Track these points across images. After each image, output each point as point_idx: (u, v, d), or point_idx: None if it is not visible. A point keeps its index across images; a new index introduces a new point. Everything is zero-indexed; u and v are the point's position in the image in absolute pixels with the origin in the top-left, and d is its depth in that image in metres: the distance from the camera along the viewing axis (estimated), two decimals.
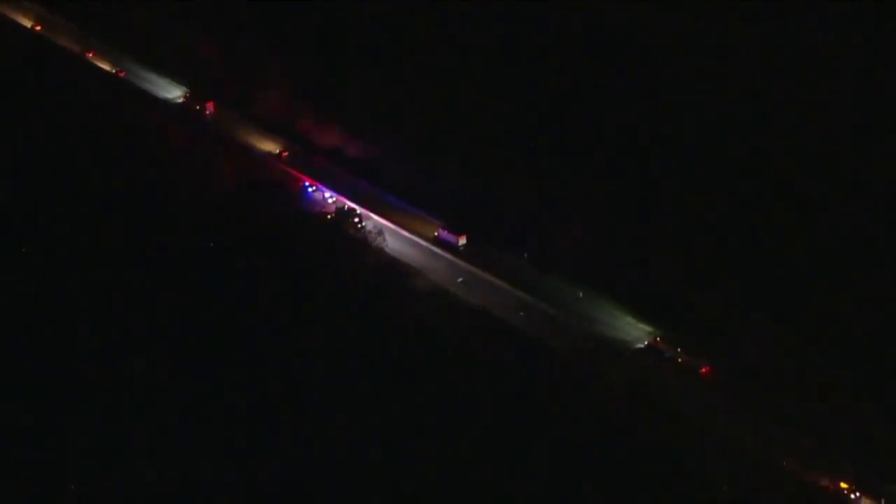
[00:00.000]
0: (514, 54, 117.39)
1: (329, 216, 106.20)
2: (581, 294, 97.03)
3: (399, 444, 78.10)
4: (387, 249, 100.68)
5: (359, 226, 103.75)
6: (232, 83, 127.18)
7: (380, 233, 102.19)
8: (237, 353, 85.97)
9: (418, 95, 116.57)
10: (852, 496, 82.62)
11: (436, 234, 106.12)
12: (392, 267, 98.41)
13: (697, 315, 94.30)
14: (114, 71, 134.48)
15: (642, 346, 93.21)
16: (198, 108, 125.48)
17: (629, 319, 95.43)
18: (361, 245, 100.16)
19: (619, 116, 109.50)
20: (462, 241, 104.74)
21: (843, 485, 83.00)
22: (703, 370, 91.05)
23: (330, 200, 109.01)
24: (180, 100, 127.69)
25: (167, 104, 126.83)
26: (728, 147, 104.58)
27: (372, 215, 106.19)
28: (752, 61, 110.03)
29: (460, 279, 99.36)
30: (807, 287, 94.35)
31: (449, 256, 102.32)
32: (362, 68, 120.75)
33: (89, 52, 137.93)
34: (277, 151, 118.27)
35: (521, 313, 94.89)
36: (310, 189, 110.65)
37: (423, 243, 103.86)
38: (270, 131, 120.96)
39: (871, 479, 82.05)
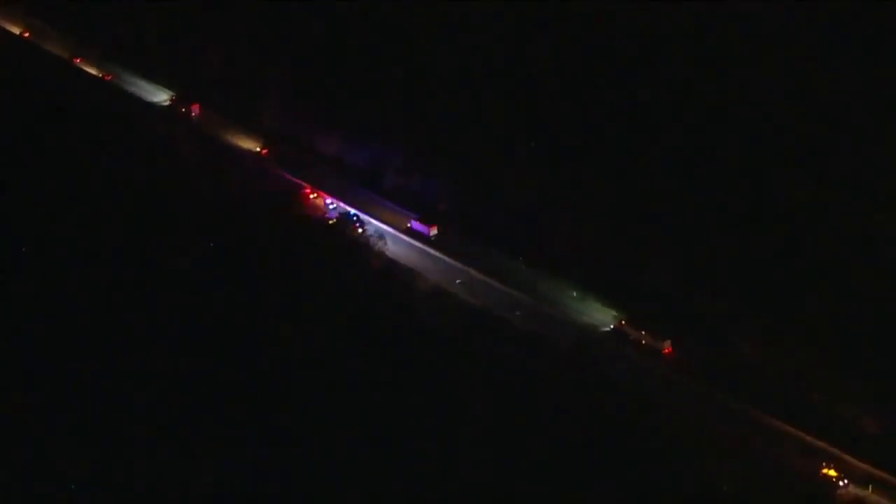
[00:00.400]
0: (501, 53, 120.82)
1: (331, 221, 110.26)
2: (574, 294, 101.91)
3: (403, 442, 79.77)
4: (388, 253, 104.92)
5: (360, 230, 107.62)
6: (216, 86, 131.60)
7: (381, 237, 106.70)
8: (242, 355, 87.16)
9: (400, 91, 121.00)
10: (840, 483, 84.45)
11: (409, 225, 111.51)
12: (394, 269, 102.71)
13: (660, 299, 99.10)
14: (101, 75, 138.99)
15: (608, 329, 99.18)
16: (184, 110, 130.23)
17: (595, 304, 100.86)
18: (364, 249, 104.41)
19: (590, 108, 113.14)
20: (433, 231, 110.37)
21: (831, 472, 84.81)
22: (666, 350, 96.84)
23: (331, 207, 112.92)
24: (167, 103, 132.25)
25: (154, 107, 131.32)
26: (685, 127, 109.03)
27: (372, 220, 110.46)
28: (745, 60, 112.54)
29: (459, 280, 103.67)
30: (773, 267, 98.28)
31: (448, 259, 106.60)
32: (346, 66, 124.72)
33: (77, 59, 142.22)
34: (258, 149, 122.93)
35: (518, 313, 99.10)
36: (311, 196, 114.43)
37: (422, 247, 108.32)
38: (254, 131, 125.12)
39: (855, 464, 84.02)
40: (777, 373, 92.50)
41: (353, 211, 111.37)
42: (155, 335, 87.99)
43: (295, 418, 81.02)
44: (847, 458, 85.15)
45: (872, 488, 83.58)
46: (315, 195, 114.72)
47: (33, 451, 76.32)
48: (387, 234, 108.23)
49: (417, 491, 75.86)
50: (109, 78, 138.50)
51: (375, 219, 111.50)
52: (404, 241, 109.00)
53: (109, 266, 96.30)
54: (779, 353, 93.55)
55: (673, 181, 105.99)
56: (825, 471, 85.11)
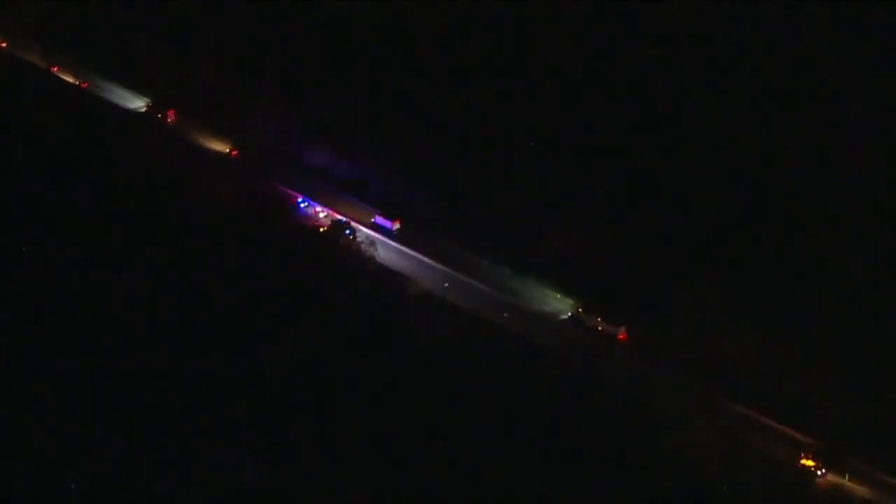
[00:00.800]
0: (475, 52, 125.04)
1: (322, 229, 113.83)
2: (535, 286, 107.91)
3: (400, 442, 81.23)
4: (378, 259, 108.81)
5: (350, 237, 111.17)
6: (190, 92, 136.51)
7: (372, 244, 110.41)
8: (239, 359, 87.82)
9: (376, 95, 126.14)
10: (818, 472, 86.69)
11: (372, 220, 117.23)
12: (384, 274, 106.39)
13: (615, 288, 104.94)
14: (77, 83, 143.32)
15: (566, 316, 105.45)
16: (160, 116, 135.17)
17: (554, 294, 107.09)
18: (355, 255, 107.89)
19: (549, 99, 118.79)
20: (396, 225, 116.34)
21: (808, 462, 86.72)
22: (621, 336, 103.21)
23: (322, 215, 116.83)
24: (143, 109, 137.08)
25: (132, 113, 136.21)
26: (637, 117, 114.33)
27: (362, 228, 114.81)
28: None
29: (446, 284, 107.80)
30: (730, 254, 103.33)
31: (435, 264, 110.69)
32: (323, 71, 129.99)
33: (54, 67, 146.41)
34: (227, 150, 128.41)
35: (505, 314, 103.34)
36: (302, 204, 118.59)
37: (411, 252, 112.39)
38: (226, 134, 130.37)
39: (832, 451, 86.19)
40: (741, 360, 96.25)
41: (343, 219, 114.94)
42: (151, 341, 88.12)
43: (294, 421, 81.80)
44: (823, 447, 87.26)
45: (849, 476, 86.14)
46: (305, 204, 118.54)
47: (33, 451, 76.37)
48: (377, 241, 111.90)
49: (416, 490, 76.92)
50: (86, 86, 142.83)
51: (343, 215, 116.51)
52: (394, 247, 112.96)
53: (98, 270, 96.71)
54: (738, 341, 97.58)
55: (623, 175, 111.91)
56: (803, 461, 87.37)
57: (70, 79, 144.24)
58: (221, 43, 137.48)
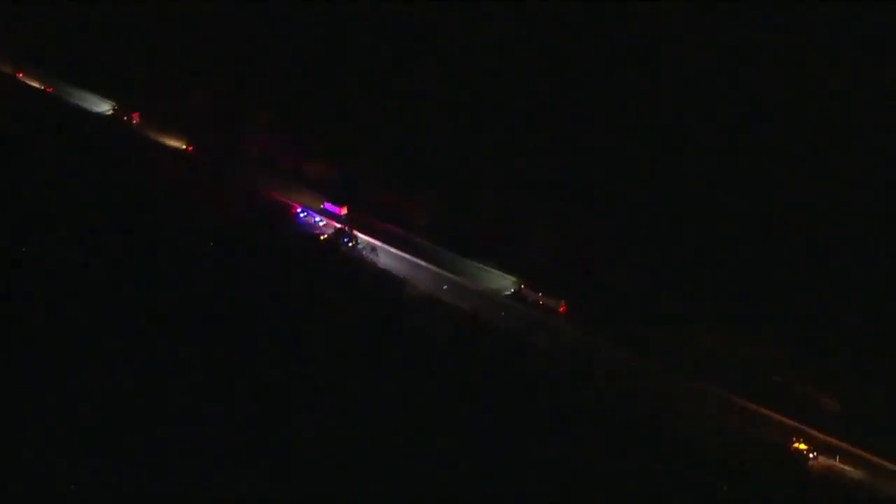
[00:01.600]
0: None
1: (323, 237, 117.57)
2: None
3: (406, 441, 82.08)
4: (379, 264, 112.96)
5: (350, 245, 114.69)
6: (154, 95, 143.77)
7: (372, 250, 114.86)
8: (246, 361, 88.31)
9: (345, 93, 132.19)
10: (810, 455, 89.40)
11: (322, 205, 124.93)
12: (385, 279, 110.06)
13: (555, 264, 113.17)
14: (43, 88, 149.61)
15: (509, 293, 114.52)
16: (125, 118, 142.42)
17: (497, 273, 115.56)
18: (356, 261, 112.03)
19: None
20: (344, 210, 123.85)
21: (801, 446, 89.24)
22: (561, 309, 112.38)
23: (321, 224, 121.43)
24: (109, 112, 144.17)
25: (99, 116, 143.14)
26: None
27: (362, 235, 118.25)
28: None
29: (445, 286, 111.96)
30: (677, 232, 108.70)
31: (433, 268, 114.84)
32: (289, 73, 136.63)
33: (19, 73, 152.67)
34: (184, 147, 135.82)
35: (502, 313, 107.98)
36: (301, 215, 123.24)
37: (410, 258, 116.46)
38: (187, 134, 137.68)
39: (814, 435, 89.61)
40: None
41: (343, 227, 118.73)
42: (152, 344, 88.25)
43: (302, 421, 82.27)
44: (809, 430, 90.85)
45: (839, 458, 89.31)
46: (305, 214, 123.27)
47: (33, 451, 76.45)
48: (378, 248, 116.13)
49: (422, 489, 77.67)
50: (52, 90, 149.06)
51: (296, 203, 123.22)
52: (394, 253, 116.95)
53: (98, 273, 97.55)
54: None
55: (560, 159, 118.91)
56: (796, 444, 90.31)
57: (36, 84, 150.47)
58: (182, 45, 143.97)
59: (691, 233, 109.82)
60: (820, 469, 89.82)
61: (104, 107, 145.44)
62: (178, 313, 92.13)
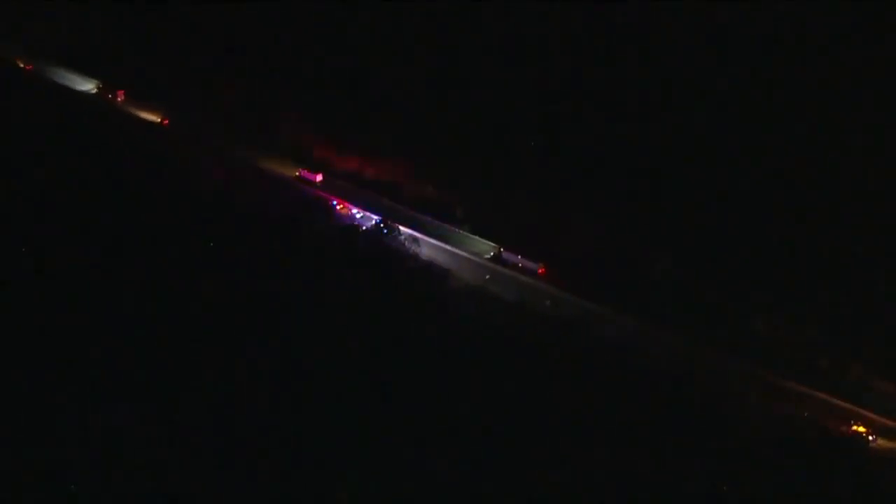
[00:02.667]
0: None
1: (363, 228, 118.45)
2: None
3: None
4: (422, 255, 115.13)
5: (391, 235, 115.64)
6: (137, 73, 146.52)
7: (414, 241, 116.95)
8: (289, 352, 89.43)
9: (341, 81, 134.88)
10: (870, 438, 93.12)
11: (297, 173, 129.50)
12: (429, 270, 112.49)
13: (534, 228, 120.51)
14: (23, 66, 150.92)
15: (490, 255, 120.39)
16: (110, 96, 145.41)
17: (479, 238, 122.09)
18: (400, 253, 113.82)
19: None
20: (319, 178, 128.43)
21: (860, 429, 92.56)
22: (540, 270, 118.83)
23: (358, 216, 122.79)
24: (94, 91, 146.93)
25: (84, 95, 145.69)
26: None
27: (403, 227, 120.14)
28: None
29: (487, 276, 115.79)
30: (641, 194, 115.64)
31: (477, 259, 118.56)
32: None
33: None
34: (159, 120, 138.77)
35: (547, 301, 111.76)
36: (337, 206, 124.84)
37: (451, 249, 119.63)
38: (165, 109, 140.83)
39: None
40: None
41: (379, 218, 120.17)
42: (174, 338, 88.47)
43: (351, 407, 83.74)
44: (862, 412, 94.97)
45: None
46: (342, 206, 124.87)
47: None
48: (420, 239, 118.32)
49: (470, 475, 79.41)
50: (31, 68, 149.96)
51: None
52: (435, 244, 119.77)
53: (112, 267, 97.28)
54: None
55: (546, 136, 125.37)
56: (854, 427, 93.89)
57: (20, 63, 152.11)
58: (164, 23, 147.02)
59: (679, 198, 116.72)
60: (880, 451, 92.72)
61: (88, 85, 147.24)
62: (204, 306, 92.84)
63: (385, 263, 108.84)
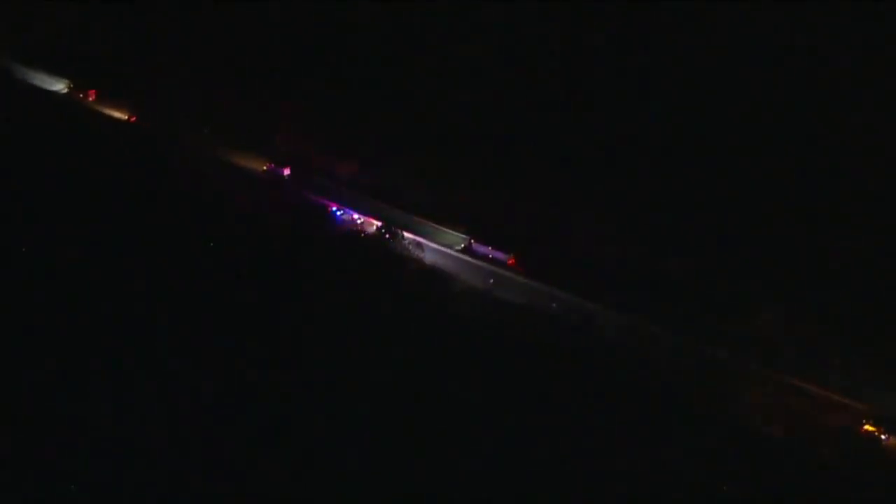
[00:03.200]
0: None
1: (363, 234, 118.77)
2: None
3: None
4: (425, 260, 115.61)
5: (392, 240, 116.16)
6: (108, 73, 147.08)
7: (418, 245, 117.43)
8: (292, 353, 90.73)
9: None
10: (882, 437, 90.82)
11: (264, 168, 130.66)
12: (433, 274, 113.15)
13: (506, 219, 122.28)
14: None
15: (461, 247, 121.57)
16: (81, 96, 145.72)
17: (448, 230, 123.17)
18: (403, 257, 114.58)
19: None
20: (287, 171, 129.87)
21: (870, 427, 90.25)
22: (510, 261, 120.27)
23: (359, 221, 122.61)
24: (65, 90, 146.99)
25: (55, 95, 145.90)
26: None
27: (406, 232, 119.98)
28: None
29: (491, 280, 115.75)
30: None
31: (479, 263, 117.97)
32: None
33: None
34: (126, 117, 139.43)
35: (554, 304, 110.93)
36: (338, 213, 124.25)
37: (454, 253, 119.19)
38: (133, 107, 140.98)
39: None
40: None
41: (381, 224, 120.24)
42: (179, 342, 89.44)
43: (354, 409, 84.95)
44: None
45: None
46: (341, 212, 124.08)
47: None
48: (423, 244, 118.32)
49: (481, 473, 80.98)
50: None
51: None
52: (438, 249, 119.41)
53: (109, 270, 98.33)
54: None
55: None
56: (866, 427, 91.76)
57: None
58: (136, 21, 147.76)
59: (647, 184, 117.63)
60: (894, 450, 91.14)
61: (59, 85, 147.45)
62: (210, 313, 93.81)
63: (391, 269, 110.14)
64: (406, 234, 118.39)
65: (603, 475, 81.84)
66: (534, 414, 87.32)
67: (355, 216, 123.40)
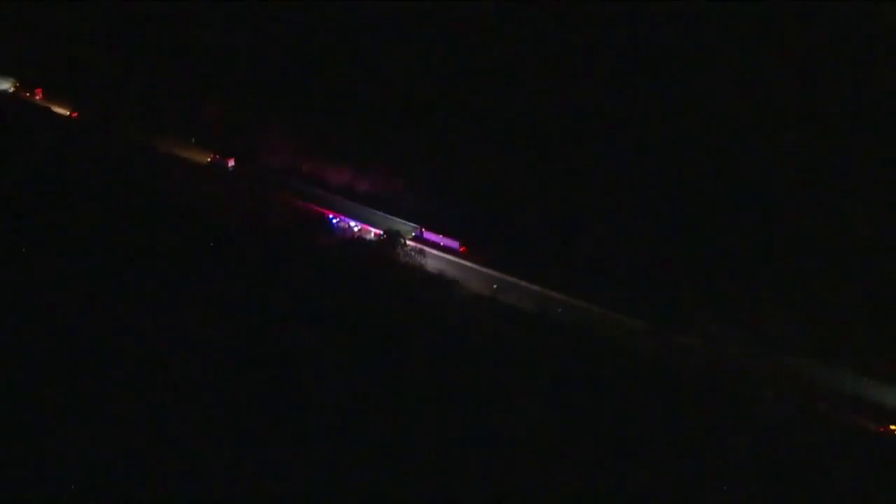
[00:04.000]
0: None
1: (361, 241, 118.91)
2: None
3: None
4: (427, 267, 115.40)
5: (395, 248, 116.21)
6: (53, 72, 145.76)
7: (420, 252, 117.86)
8: (299, 361, 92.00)
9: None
10: None
11: (208, 159, 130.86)
12: (437, 280, 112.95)
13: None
14: None
15: (412, 235, 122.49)
16: (28, 94, 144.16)
17: (400, 220, 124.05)
18: (406, 264, 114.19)
19: None
20: (231, 163, 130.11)
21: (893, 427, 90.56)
22: (461, 249, 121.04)
23: (356, 228, 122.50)
24: (11, 89, 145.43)
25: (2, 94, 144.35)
26: None
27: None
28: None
29: (495, 286, 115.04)
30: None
31: (483, 269, 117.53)
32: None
33: None
34: (69, 113, 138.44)
35: (559, 309, 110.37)
36: (334, 220, 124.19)
37: (456, 260, 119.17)
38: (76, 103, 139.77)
39: None
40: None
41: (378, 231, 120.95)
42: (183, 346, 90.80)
43: (359, 413, 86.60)
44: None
45: None
46: (338, 220, 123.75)
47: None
48: (426, 251, 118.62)
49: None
50: None
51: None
52: (440, 256, 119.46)
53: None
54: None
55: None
56: (893, 427, 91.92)
57: None
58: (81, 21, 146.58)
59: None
60: None
61: (4, 84, 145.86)
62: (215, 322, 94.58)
63: (394, 276, 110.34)
64: (409, 242, 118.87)
65: (610, 476, 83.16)
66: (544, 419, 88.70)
67: (351, 223, 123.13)
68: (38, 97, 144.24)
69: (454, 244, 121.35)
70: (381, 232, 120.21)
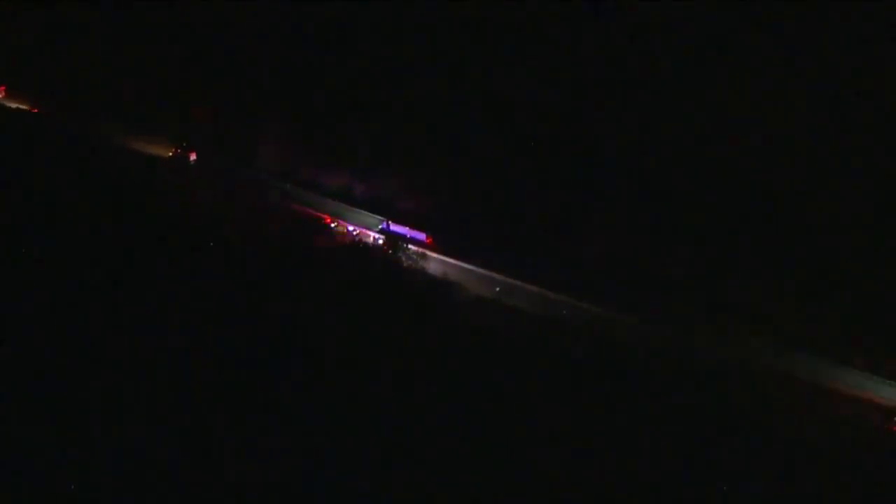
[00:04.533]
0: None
1: (361, 245, 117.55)
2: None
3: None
4: (429, 270, 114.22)
5: (394, 252, 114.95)
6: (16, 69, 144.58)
7: (422, 255, 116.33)
8: (303, 361, 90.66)
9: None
10: None
11: (170, 153, 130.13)
12: (440, 283, 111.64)
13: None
14: None
15: (379, 228, 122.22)
16: None
17: (366, 213, 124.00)
18: (408, 267, 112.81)
19: None
20: (193, 157, 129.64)
21: None
22: (428, 240, 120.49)
23: (354, 232, 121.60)
24: None
25: None
26: None
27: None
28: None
29: (497, 288, 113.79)
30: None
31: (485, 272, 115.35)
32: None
33: None
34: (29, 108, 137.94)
35: (565, 312, 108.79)
36: (332, 225, 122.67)
37: (459, 263, 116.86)
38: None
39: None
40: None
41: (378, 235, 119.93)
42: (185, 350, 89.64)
43: (362, 416, 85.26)
44: None
45: None
46: (335, 223, 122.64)
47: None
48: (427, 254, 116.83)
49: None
50: None
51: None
52: (442, 259, 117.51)
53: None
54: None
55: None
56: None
57: None
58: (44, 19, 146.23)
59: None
60: None
61: None
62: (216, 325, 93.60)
63: (398, 280, 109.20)
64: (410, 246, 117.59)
65: (612, 477, 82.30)
66: (546, 420, 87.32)
67: (350, 227, 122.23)
68: (2, 96, 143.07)
69: (421, 236, 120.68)
70: (380, 236, 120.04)
